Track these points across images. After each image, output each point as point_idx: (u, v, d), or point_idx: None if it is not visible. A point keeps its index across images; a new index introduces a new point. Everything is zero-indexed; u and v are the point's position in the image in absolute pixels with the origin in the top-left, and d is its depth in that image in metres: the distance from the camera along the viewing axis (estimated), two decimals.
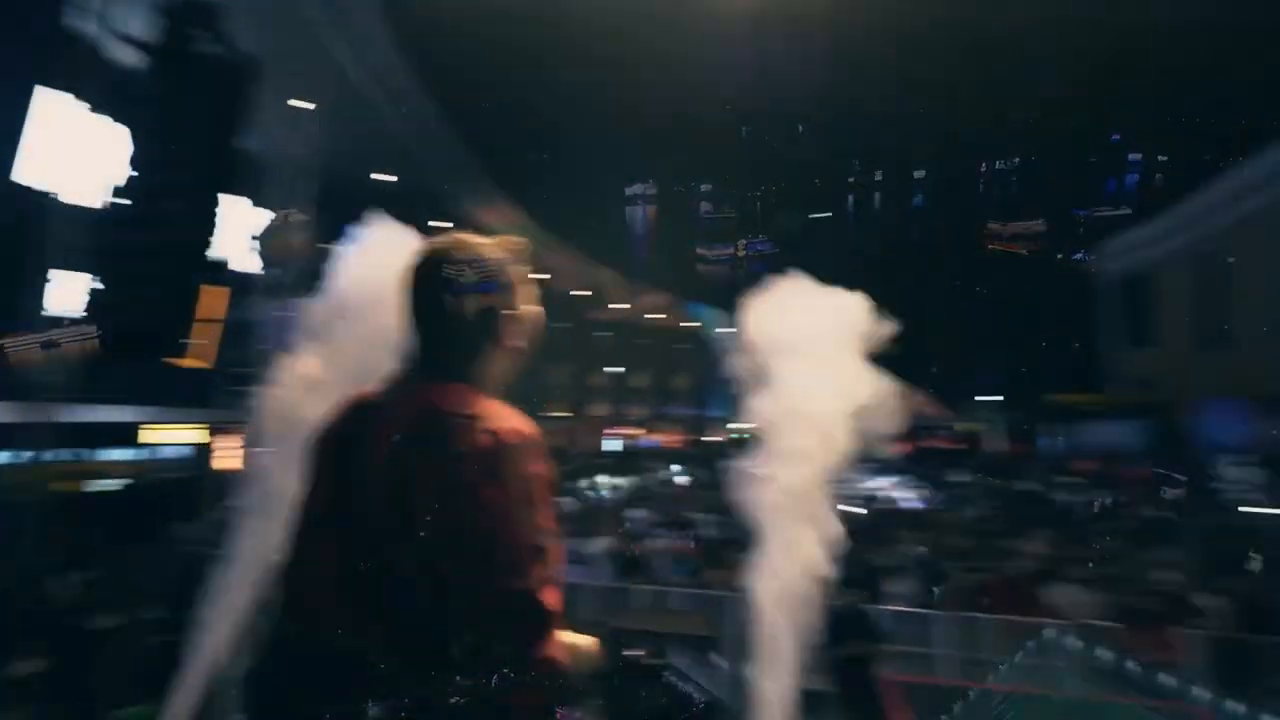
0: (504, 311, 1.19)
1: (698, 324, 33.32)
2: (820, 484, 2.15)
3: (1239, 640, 4.98)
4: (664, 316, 34.53)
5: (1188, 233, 20.15)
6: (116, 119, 5.61)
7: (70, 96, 5.86)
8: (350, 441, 1.15)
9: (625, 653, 3.54)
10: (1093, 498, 11.35)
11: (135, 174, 5.49)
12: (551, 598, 1.04)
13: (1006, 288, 30.23)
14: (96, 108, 6.05)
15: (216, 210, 5.83)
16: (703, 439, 32.65)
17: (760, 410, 2.26)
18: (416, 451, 1.05)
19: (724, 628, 4.60)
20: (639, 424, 33.59)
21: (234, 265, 6.88)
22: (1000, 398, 28.70)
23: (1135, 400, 21.84)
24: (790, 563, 2.04)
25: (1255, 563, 6.70)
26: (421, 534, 1.01)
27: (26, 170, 5.91)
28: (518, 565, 1.01)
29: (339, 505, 1.11)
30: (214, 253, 5.94)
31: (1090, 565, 6.28)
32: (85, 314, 5.43)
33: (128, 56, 5.65)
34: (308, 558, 1.13)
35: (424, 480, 1.03)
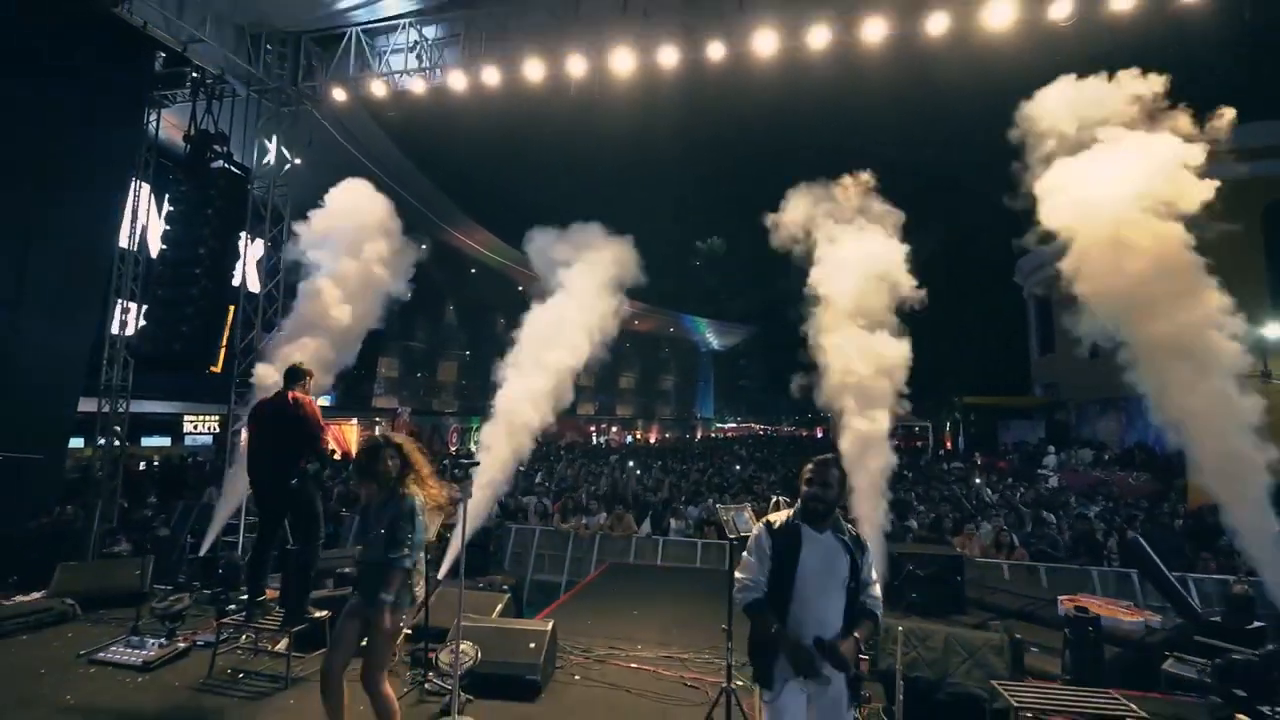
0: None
1: None
2: None
3: None
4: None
5: None
6: (170, 195, 8.53)
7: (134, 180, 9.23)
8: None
9: None
10: None
11: (180, 232, 8.33)
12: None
13: None
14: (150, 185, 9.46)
15: (237, 252, 8.72)
16: None
17: None
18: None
19: None
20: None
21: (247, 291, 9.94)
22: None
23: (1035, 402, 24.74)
24: None
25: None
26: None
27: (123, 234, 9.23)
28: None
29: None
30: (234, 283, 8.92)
31: None
32: (141, 333, 8.39)
33: (179, 153, 8.67)
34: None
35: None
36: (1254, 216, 14.79)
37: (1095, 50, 7.14)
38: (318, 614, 4.13)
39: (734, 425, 54.84)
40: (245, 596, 4.41)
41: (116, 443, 9.11)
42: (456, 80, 8.21)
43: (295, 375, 4.36)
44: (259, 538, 4.41)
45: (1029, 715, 3.06)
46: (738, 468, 16.61)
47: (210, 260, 8.21)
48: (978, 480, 13.33)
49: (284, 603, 4.16)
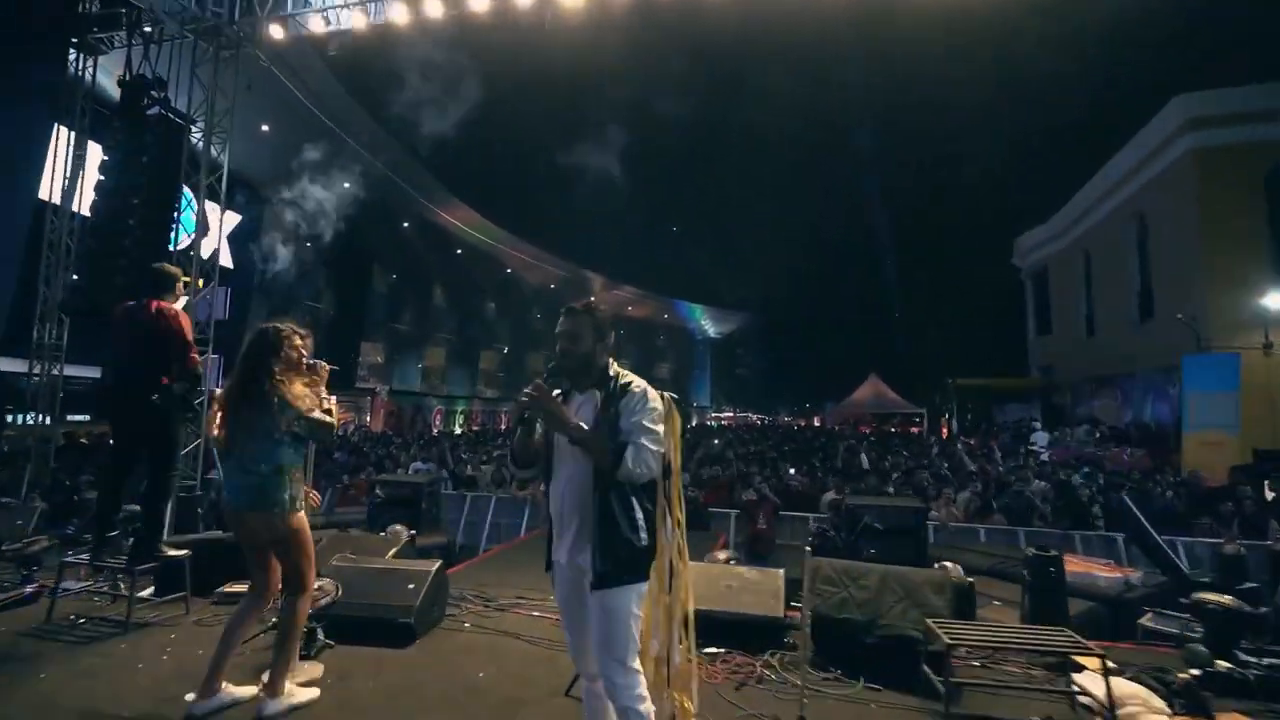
0: None
1: None
2: None
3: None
4: None
5: (1069, 233, 22.27)
6: (104, 144, 8.00)
7: (70, 131, 8.70)
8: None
9: None
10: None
11: (113, 182, 7.82)
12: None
13: None
14: (89, 137, 8.91)
15: (174, 211, 8.22)
16: None
17: None
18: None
19: None
20: None
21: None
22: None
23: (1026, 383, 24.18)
24: None
25: None
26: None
27: (44, 187, 8.69)
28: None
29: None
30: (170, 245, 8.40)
31: None
32: (72, 286, 7.87)
33: (113, 100, 8.15)
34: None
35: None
36: (1256, 184, 14.16)
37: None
38: (173, 552, 3.63)
39: (731, 414, 54.23)
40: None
41: (48, 419, 8.65)
42: (398, 13, 7.67)
43: (162, 279, 3.76)
44: (110, 467, 3.88)
45: (964, 651, 2.54)
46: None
47: (144, 210, 7.73)
48: (959, 448, 12.81)
49: (134, 538, 3.65)
